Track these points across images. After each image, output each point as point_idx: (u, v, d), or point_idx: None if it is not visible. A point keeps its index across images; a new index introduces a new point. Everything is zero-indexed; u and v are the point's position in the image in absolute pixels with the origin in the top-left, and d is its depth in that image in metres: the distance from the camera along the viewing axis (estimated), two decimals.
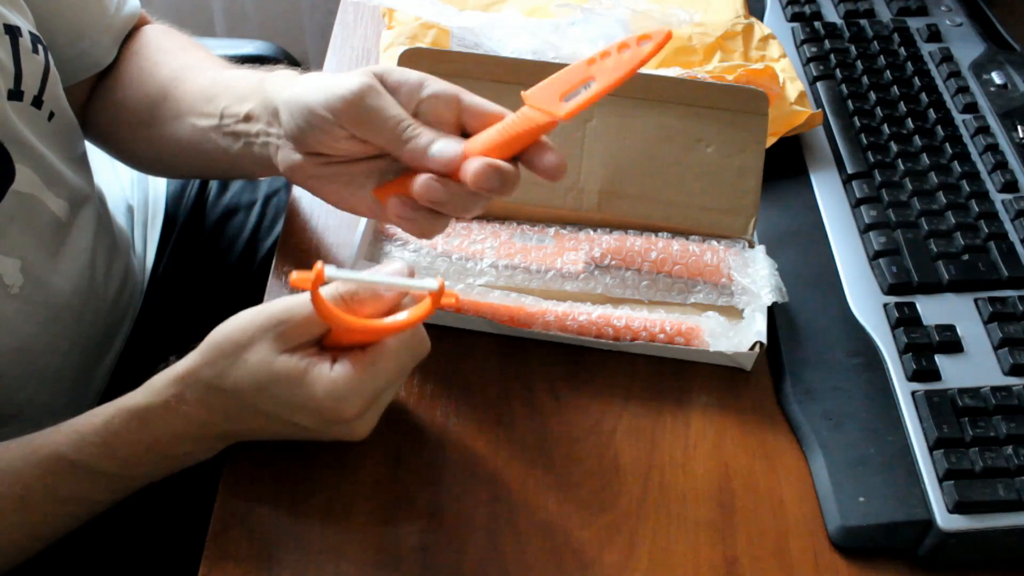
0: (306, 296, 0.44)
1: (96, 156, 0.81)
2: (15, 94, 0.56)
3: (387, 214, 0.50)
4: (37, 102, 0.58)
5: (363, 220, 0.60)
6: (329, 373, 0.46)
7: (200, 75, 0.62)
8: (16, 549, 0.52)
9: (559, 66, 0.63)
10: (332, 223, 0.65)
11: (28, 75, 0.57)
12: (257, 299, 0.60)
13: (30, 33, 0.57)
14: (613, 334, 0.57)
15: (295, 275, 0.43)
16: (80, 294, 0.64)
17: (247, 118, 0.56)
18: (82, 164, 0.67)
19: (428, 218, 0.50)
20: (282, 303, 0.47)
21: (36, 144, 0.59)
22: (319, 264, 0.43)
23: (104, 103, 0.68)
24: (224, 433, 0.50)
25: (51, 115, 0.60)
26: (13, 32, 0.56)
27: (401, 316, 0.47)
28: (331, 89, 0.49)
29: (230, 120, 0.57)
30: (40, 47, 0.58)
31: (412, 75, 0.50)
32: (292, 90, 0.51)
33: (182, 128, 0.61)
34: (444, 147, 0.47)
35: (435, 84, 0.50)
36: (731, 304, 0.59)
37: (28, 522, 0.51)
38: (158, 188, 0.85)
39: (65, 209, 0.62)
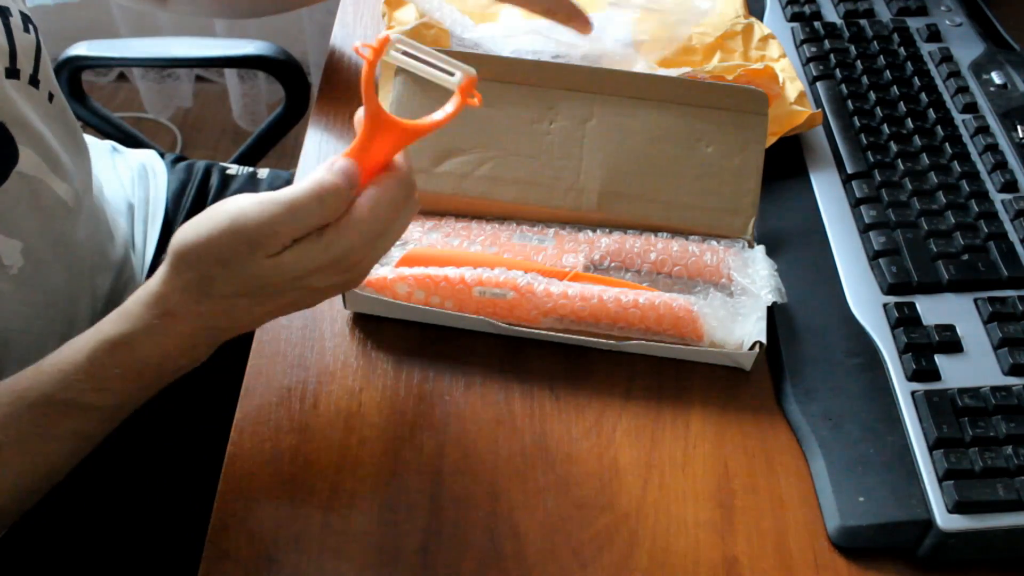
0: (269, 197, 0.43)
1: (96, 156, 0.82)
2: (12, 72, 0.56)
3: None
4: (34, 81, 0.58)
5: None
6: (319, 240, 0.43)
7: None
8: (25, 491, 0.51)
9: (559, 66, 0.63)
10: None
11: (22, 53, 0.57)
12: None
13: (20, 13, 0.57)
14: (608, 310, 0.57)
15: (359, 43, 0.44)
16: (77, 283, 0.64)
17: None
18: (82, 152, 0.67)
19: None
20: (254, 209, 0.43)
21: (38, 125, 0.59)
22: (384, 32, 0.44)
23: None
24: (217, 339, 0.49)
25: (50, 96, 0.61)
26: (4, 11, 0.56)
27: (438, 115, 0.47)
28: None
29: None
30: (31, 26, 0.58)
31: None
32: None
33: None
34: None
35: None
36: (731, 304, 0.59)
37: (31, 464, 0.50)
38: (158, 186, 0.85)
39: (72, 195, 0.62)
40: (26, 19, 0.58)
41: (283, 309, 0.48)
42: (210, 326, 0.47)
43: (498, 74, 0.62)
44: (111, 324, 0.48)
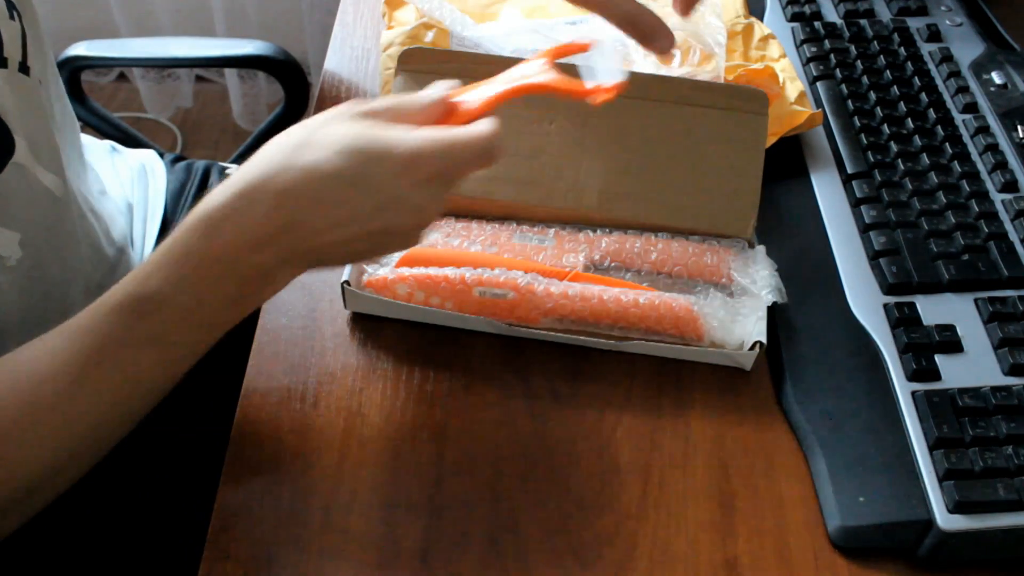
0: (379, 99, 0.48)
1: (96, 156, 0.82)
2: (0, 61, 0.55)
3: None
4: (24, 68, 0.58)
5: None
6: (411, 129, 0.46)
7: None
8: (114, 410, 0.49)
9: (559, 65, 0.63)
10: None
11: (8, 41, 0.56)
12: None
13: (5, 1, 0.57)
14: (608, 310, 0.57)
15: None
16: (72, 276, 0.64)
17: None
18: (74, 142, 0.67)
19: None
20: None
21: (28, 114, 0.58)
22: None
23: None
24: (294, 237, 0.46)
25: (40, 83, 0.60)
26: None
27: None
28: None
29: None
30: (15, 13, 0.58)
31: None
32: None
33: None
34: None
35: None
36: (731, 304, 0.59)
37: (115, 375, 0.47)
38: (158, 186, 0.85)
39: (59, 185, 0.62)
40: (10, 5, 0.57)
41: (357, 237, 0.47)
42: (287, 217, 0.45)
43: (498, 74, 0.62)
44: (197, 207, 0.46)
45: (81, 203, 0.66)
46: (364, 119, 0.47)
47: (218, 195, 0.46)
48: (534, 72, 0.53)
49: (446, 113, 0.50)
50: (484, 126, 0.47)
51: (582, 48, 0.54)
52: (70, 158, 0.65)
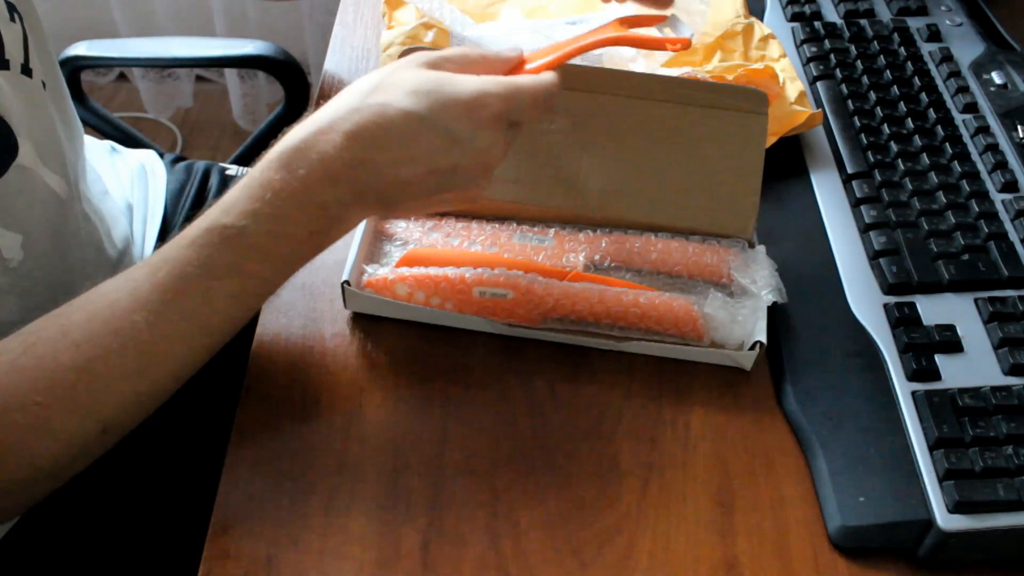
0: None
1: (95, 156, 0.82)
2: (2, 63, 0.55)
3: None
4: (27, 71, 0.58)
5: (363, 220, 0.60)
6: (476, 76, 0.50)
7: None
8: (188, 344, 0.49)
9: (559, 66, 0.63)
10: None
11: (10, 43, 0.56)
12: None
13: (5, 2, 0.57)
14: (608, 310, 0.57)
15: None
16: (74, 278, 0.64)
17: None
18: (76, 143, 0.67)
19: None
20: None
21: (32, 116, 0.58)
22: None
23: None
24: (362, 176, 0.48)
25: (44, 85, 0.60)
26: None
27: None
28: None
29: None
30: (16, 15, 0.58)
31: None
32: None
33: None
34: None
35: None
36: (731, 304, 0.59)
37: (193, 307, 0.48)
38: (157, 187, 0.85)
39: (63, 187, 0.62)
40: (11, 8, 0.57)
41: (426, 177, 0.49)
42: (361, 153, 0.48)
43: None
44: (278, 143, 0.49)
45: (85, 205, 0.66)
46: (434, 67, 0.50)
47: (295, 134, 0.48)
48: (606, 32, 0.57)
49: (512, 71, 0.54)
50: (546, 75, 0.52)
51: (657, 19, 0.59)
52: (74, 160, 0.65)
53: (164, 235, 0.81)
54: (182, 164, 0.90)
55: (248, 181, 0.48)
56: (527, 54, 0.55)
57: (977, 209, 0.63)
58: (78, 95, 1.02)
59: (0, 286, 0.57)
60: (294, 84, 1.02)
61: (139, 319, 0.47)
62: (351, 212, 0.50)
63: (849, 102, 0.72)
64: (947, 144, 0.68)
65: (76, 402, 0.46)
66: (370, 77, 0.50)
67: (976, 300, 0.59)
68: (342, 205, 0.49)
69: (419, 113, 0.48)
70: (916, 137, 0.69)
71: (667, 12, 0.59)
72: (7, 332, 0.58)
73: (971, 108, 0.71)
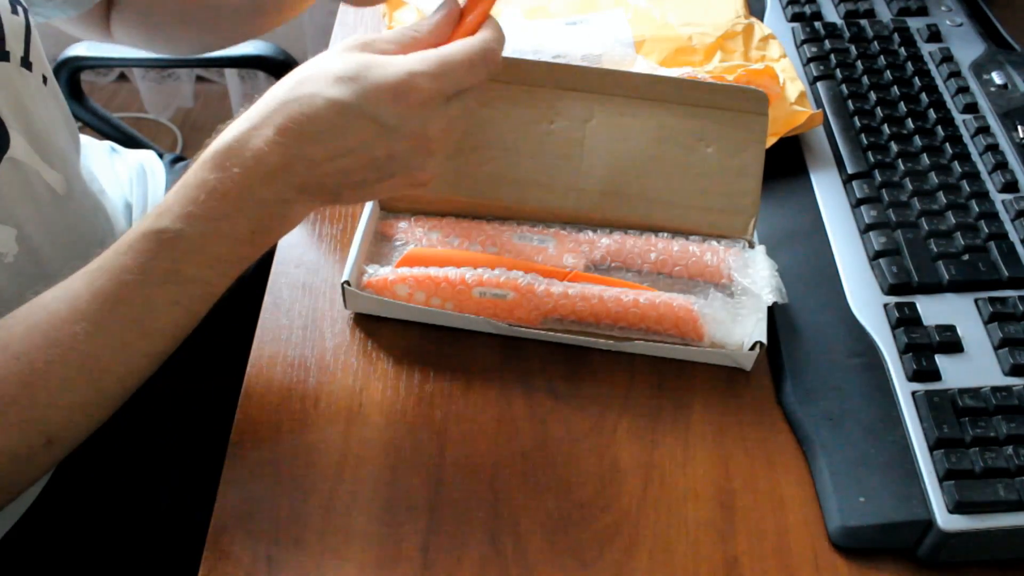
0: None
1: (95, 156, 0.82)
2: (1, 54, 0.55)
3: None
4: (26, 64, 0.58)
5: (363, 220, 0.60)
6: (405, 55, 0.47)
7: None
8: (132, 352, 0.48)
9: (559, 66, 0.63)
10: (332, 223, 0.65)
11: (11, 35, 0.56)
12: (257, 299, 0.60)
13: None
14: (608, 310, 0.57)
15: None
16: (75, 270, 0.64)
17: None
18: (74, 139, 0.67)
19: None
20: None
21: (29, 109, 0.58)
22: None
23: None
24: (298, 170, 0.47)
25: (44, 79, 0.60)
26: None
27: None
28: None
29: None
30: (19, 7, 0.58)
31: None
32: None
33: None
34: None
35: None
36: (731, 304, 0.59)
37: (134, 314, 0.47)
38: (157, 187, 0.85)
39: (61, 182, 0.62)
40: (14, 1, 0.57)
41: (363, 167, 0.48)
42: (293, 150, 0.46)
43: (498, 74, 0.62)
44: (209, 144, 0.48)
45: (84, 201, 0.66)
46: (364, 48, 0.48)
47: (228, 132, 0.47)
48: None
49: (453, 31, 0.51)
50: (477, 36, 0.48)
51: None
52: (75, 157, 0.65)
53: None
54: (182, 164, 0.90)
55: (183, 183, 0.47)
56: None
57: (977, 209, 0.63)
58: (78, 95, 1.02)
59: None
60: None
61: (79, 330, 0.46)
62: (294, 208, 0.48)
63: (849, 102, 0.72)
64: (947, 144, 0.68)
65: (18, 415, 0.46)
66: (300, 68, 0.48)
67: (976, 300, 0.59)
68: (283, 202, 0.48)
69: (345, 101, 0.46)
70: (916, 137, 0.69)
71: None
72: None
73: (971, 108, 0.71)
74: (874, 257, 0.62)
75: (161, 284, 0.47)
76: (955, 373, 0.55)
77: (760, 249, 0.61)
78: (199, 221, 0.46)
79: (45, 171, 0.60)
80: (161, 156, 0.90)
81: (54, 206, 0.61)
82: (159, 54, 0.75)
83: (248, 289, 0.66)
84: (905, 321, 0.57)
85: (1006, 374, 0.55)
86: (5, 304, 0.57)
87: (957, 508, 0.49)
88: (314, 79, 0.47)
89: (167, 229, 0.46)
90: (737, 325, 0.57)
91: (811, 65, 0.77)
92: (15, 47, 0.56)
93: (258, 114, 0.47)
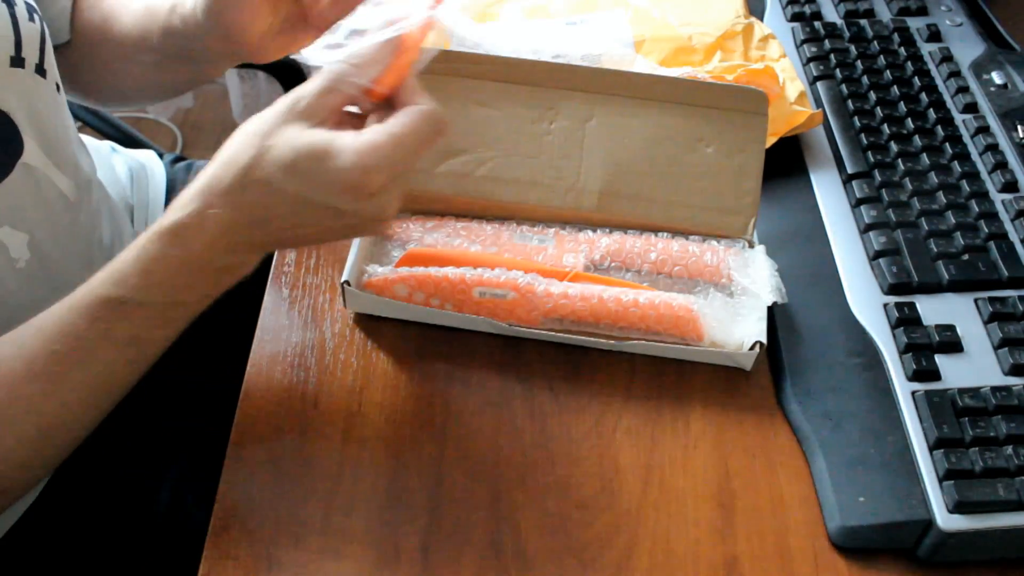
0: (319, 75, 0.48)
1: (95, 156, 0.81)
2: (17, 61, 0.56)
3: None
4: (40, 71, 0.58)
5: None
6: (355, 140, 0.45)
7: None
8: (90, 407, 0.50)
9: (559, 66, 0.63)
10: None
11: (27, 42, 0.57)
12: (257, 300, 0.60)
13: (25, 2, 0.57)
14: (608, 310, 0.57)
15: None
16: (85, 275, 0.64)
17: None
18: (83, 145, 0.67)
19: None
20: (292, 92, 0.48)
21: (43, 116, 0.58)
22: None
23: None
24: (257, 240, 0.48)
25: (57, 87, 0.61)
26: (9, 1, 0.56)
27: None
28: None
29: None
30: (35, 16, 0.58)
31: None
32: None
33: (131, 31, 0.64)
34: None
35: None
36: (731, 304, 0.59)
37: (92, 375, 0.49)
38: (158, 188, 0.85)
39: (72, 189, 0.62)
40: (31, 8, 0.58)
41: (316, 216, 0.47)
42: (246, 221, 0.47)
43: (498, 74, 0.62)
44: (162, 217, 0.48)
45: (93, 206, 0.66)
46: (307, 124, 0.46)
47: (184, 206, 0.47)
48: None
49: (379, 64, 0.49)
50: (421, 113, 0.47)
51: None
52: (89, 163, 0.65)
53: None
54: (182, 164, 0.90)
55: (140, 253, 0.48)
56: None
57: (977, 209, 0.63)
58: None
59: (8, 287, 0.57)
60: (294, 84, 1.02)
61: (35, 390, 0.48)
62: (249, 265, 0.50)
63: (849, 102, 0.72)
64: (947, 144, 0.68)
65: None
66: (249, 141, 0.47)
67: (976, 300, 0.59)
68: (238, 266, 0.49)
69: (302, 195, 0.46)
70: (916, 137, 0.69)
71: None
72: None
73: (971, 108, 0.71)
74: (874, 257, 0.62)
75: (119, 348, 0.49)
76: (955, 373, 0.55)
77: (760, 249, 0.61)
78: (158, 291, 0.48)
79: (57, 177, 0.60)
80: (161, 156, 0.90)
81: (65, 212, 0.61)
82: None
83: (248, 289, 0.66)
84: (905, 321, 0.57)
85: (1006, 374, 0.55)
86: (16, 309, 0.58)
87: (957, 508, 0.49)
88: (266, 163, 0.46)
89: (126, 299, 0.48)
90: (737, 325, 0.57)
91: (811, 65, 0.77)
92: (31, 54, 0.57)
93: (213, 189, 0.47)
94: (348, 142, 0.45)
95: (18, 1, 0.57)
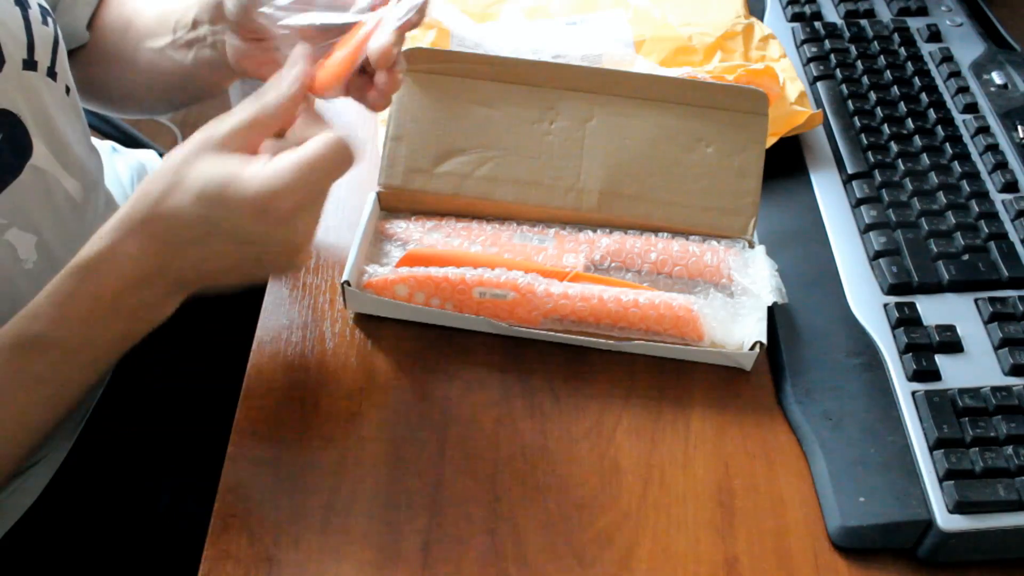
0: (245, 106, 0.47)
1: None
2: (29, 63, 0.56)
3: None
4: (52, 73, 0.59)
5: (363, 221, 0.60)
6: (263, 166, 0.45)
7: (155, 3, 0.65)
8: (11, 445, 0.50)
9: (559, 66, 0.63)
10: (332, 223, 0.65)
11: (40, 45, 0.57)
12: (258, 298, 0.60)
13: (39, 5, 0.58)
14: (608, 310, 0.57)
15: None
16: None
17: (195, 24, 0.59)
18: (91, 147, 0.67)
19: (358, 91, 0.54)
20: (213, 122, 0.48)
21: (53, 118, 0.59)
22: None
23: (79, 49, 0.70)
24: (171, 274, 0.48)
25: (67, 90, 0.61)
26: (22, 3, 0.56)
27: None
28: None
29: (182, 32, 0.60)
30: (49, 19, 0.58)
31: None
32: None
33: (142, 55, 0.64)
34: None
35: None
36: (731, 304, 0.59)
37: (12, 415, 0.49)
38: None
39: (79, 190, 0.62)
40: (44, 11, 0.58)
41: (229, 246, 0.47)
42: (160, 254, 0.47)
43: (498, 74, 0.62)
44: (80, 251, 0.48)
45: (99, 209, 0.66)
46: (220, 153, 0.46)
47: (96, 240, 0.47)
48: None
49: (303, 95, 0.49)
50: (326, 142, 0.46)
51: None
52: (97, 165, 0.65)
53: None
54: None
55: (54, 288, 0.48)
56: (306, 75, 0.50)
57: (977, 209, 0.63)
58: None
59: (16, 287, 0.57)
60: None
61: None
62: (167, 303, 0.49)
63: (849, 102, 0.72)
64: (947, 144, 0.68)
65: None
66: (165, 172, 0.47)
67: (976, 300, 0.59)
68: (154, 305, 0.49)
69: (209, 220, 0.46)
70: (916, 137, 0.69)
71: None
72: None
73: (971, 108, 0.71)
74: (874, 257, 0.62)
75: (33, 387, 0.48)
76: (955, 373, 0.55)
77: (760, 249, 0.61)
78: (74, 327, 0.47)
79: (65, 179, 0.60)
80: (161, 155, 0.90)
81: (72, 213, 0.62)
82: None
83: (248, 289, 0.66)
84: (905, 321, 0.57)
85: (1006, 374, 0.55)
86: (22, 308, 0.58)
87: (957, 508, 0.49)
88: (177, 191, 0.46)
89: (40, 334, 0.47)
90: (737, 325, 0.57)
91: (811, 65, 0.77)
92: (43, 57, 0.57)
93: (126, 224, 0.47)
94: (256, 169, 0.45)
95: (32, 4, 0.57)
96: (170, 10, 0.62)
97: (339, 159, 0.46)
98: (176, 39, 0.61)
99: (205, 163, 0.46)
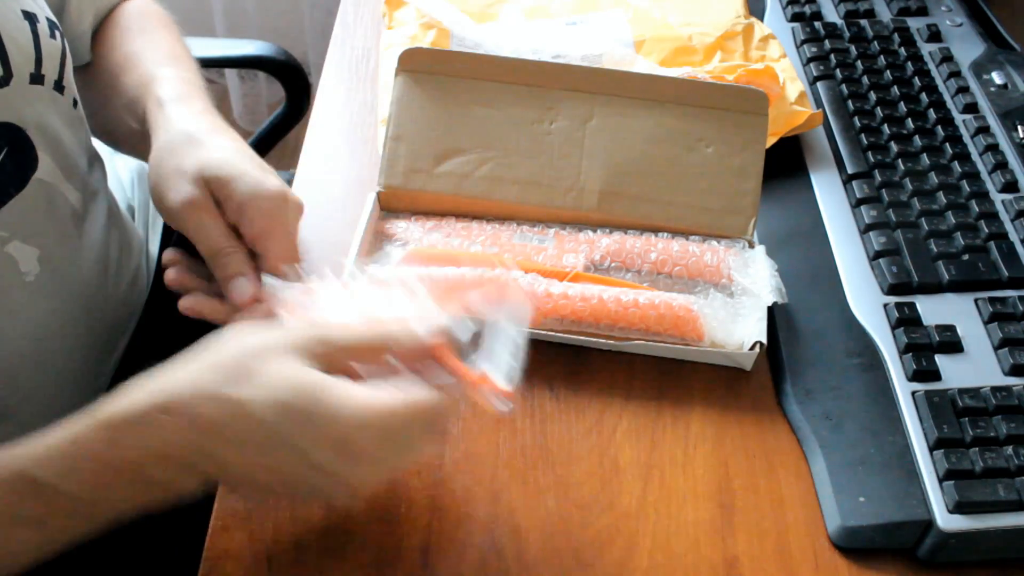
0: (367, 328, 0.43)
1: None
2: (36, 77, 0.56)
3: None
4: (59, 87, 0.59)
5: (363, 220, 0.60)
6: (362, 392, 0.41)
7: (134, 71, 0.64)
8: None
9: (559, 66, 0.63)
10: (332, 223, 0.65)
11: (47, 59, 0.57)
12: None
13: (47, 19, 0.58)
14: (608, 310, 0.57)
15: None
16: (92, 287, 0.65)
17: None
18: (95, 157, 0.67)
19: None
20: (319, 326, 0.44)
21: (59, 131, 0.59)
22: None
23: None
24: (207, 465, 0.42)
25: (75, 102, 0.61)
26: (31, 17, 0.56)
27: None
28: (163, 191, 0.53)
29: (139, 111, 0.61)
30: (57, 32, 0.59)
31: (241, 187, 0.51)
32: (151, 156, 0.55)
33: (115, 102, 0.65)
34: (238, 287, 0.51)
35: (258, 204, 0.51)
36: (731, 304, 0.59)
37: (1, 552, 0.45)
38: None
39: (80, 201, 0.63)
40: (52, 25, 0.58)
41: (288, 464, 0.42)
42: (207, 446, 0.42)
43: (498, 74, 0.62)
44: (108, 404, 0.43)
45: (100, 216, 0.66)
46: (316, 361, 0.42)
47: (131, 400, 0.42)
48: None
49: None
50: (438, 400, 0.42)
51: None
52: (100, 177, 0.66)
53: (167, 238, 0.81)
54: None
55: (72, 437, 0.43)
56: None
57: (977, 209, 0.63)
58: None
59: (17, 300, 0.57)
60: (294, 84, 1.02)
61: None
62: (184, 487, 0.44)
63: (849, 102, 0.72)
64: (947, 144, 0.68)
65: None
66: (238, 350, 0.42)
67: (976, 300, 0.59)
68: (171, 481, 0.43)
69: (282, 433, 0.40)
70: (916, 137, 0.69)
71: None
72: (24, 350, 0.58)
73: (971, 108, 0.71)
74: (874, 257, 0.62)
75: (27, 527, 0.44)
76: (955, 373, 0.55)
77: (760, 249, 0.61)
78: (82, 484, 0.43)
79: (69, 191, 0.61)
80: None
81: (74, 224, 0.62)
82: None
83: None
84: (905, 321, 0.57)
85: (1006, 374, 0.55)
86: (25, 323, 0.58)
87: (957, 508, 0.49)
88: (253, 381, 0.41)
89: (44, 481, 0.42)
90: (737, 325, 0.57)
91: (811, 65, 0.77)
92: (50, 71, 0.57)
93: (174, 392, 0.42)
94: (352, 391, 0.41)
95: (40, 18, 0.57)
96: (143, 81, 0.62)
97: (435, 420, 0.43)
98: (136, 111, 0.61)
99: (291, 364, 0.41)
